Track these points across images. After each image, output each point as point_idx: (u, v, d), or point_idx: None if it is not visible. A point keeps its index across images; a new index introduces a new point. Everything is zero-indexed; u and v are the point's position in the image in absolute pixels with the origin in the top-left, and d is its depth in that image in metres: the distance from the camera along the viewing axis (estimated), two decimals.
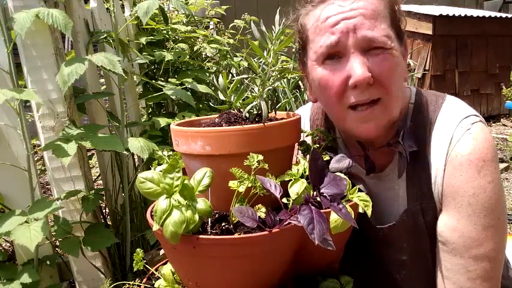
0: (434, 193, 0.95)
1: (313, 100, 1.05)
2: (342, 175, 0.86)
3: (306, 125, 1.18)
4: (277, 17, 0.88)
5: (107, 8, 1.71)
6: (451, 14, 5.29)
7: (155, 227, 0.74)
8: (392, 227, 0.99)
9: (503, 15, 5.90)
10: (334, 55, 0.89)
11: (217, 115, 0.92)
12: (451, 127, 0.92)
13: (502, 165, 3.91)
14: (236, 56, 2.57)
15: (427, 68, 5.40)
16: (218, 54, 2.39)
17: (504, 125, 5.82)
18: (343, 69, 0.88)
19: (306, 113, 1.20)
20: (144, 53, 1.90)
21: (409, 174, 0.98)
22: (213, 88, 2.05)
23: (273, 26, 0.86)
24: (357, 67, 0.85)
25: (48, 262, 1.52)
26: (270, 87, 0.90)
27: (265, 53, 0.88)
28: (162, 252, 1.21)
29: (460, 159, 0.89)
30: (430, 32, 5.25)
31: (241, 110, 0.90)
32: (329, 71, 0.90)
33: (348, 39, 0.86)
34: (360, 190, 0.84)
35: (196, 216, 0.72)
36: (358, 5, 0.87)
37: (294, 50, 1.02)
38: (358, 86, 0.86)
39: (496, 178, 0.89)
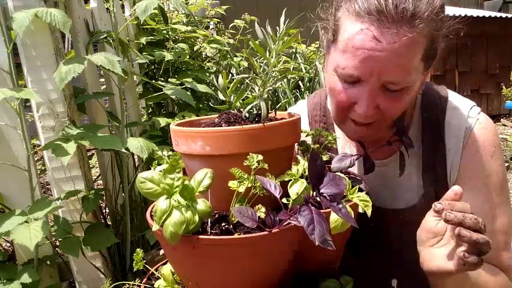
0: (449, 177, 1.03)
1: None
2: (342, 175, 0.86)
3: (304, 121, 1.19)
4: (282, 18, 0.87)
5: (107, 8, 1.71)
6: (451, 14, 5.25)
7: (155, 227, 0.74)
8: (413, 207, 1.05)
9: (503, 15, 5.90)
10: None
11: (217, 115, 0.92)
12: (462, 118, 1.03)
13: None
14: (236, 56, 2.57)
15: None
16: (218, 54, 2.39)
17: (504, 125, 5.82)
18: (355, 94, 0.90)
19: (303, 109, 1.22)
20: (144, 53, 1.90)
21: (425, 160, 1.05)
22: (213, 88, 2.05)
23: (277, 27, 0.86)
24: (364, 104, 0.89)
25: (48, 262, 1.52)
26: (271, 88, 0.89)
27: (266, 53, 0.88)
28: (162, 252, 1.21)
29: (476, 146, 1.02)
30: None
31: (241, 110, 0.90)
32: (342, 86, 0.92)
33: (369, 77, 0.87)
34: (360, 190, 0.84)
35: (196, 217, 0.72)
36: (394, 46, 0.82)
37: (320, 25, 0.99)
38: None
39: (503, 161, 1.04)
